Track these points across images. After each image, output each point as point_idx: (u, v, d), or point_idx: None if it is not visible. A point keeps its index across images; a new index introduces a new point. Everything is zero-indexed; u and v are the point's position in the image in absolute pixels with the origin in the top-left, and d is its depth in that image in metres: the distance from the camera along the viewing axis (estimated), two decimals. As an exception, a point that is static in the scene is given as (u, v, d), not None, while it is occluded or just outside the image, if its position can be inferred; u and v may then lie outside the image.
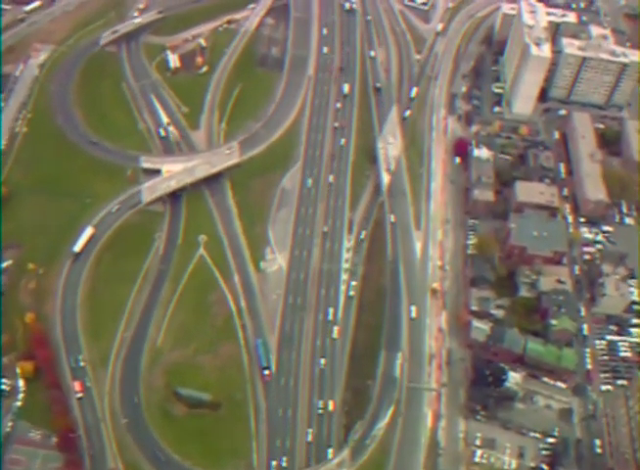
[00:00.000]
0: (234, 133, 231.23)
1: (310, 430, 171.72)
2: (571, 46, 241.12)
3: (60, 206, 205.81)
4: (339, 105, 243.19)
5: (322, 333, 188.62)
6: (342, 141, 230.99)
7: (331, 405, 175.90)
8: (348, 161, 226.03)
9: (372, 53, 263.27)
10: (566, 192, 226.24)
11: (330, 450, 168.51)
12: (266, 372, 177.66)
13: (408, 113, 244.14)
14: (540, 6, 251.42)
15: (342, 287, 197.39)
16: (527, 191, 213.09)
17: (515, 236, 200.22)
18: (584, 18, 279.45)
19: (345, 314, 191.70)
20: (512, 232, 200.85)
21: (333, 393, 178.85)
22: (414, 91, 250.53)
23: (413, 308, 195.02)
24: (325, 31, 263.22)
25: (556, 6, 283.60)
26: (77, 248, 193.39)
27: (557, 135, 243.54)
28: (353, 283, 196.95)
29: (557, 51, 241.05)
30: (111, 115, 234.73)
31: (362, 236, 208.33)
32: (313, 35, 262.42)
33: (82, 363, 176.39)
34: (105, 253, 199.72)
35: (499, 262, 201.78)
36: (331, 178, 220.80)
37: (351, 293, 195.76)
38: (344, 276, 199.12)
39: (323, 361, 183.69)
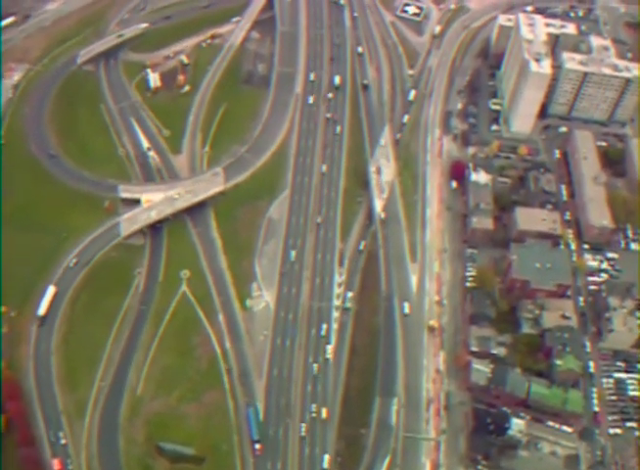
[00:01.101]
0: (218, 158, 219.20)
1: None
2: (571, 61, 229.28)
3: (34, 241, 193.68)
4: (330, 95, 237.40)
5: (313, 377, 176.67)
6: (333, 166, 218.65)
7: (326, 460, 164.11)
8: (339, 187, 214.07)
9: (359, 49, 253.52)
10: (568, 216, 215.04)
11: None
12: (257, 446, 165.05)
13: (407, 117, 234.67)
14: (539, 18, 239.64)
15: (335, 325, 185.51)
16: (529, 218, 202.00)
17: (516, 269, 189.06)
18: (583, 27, 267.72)
19: (337, 356, 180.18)
20: (513, 264, 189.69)
21: (325, 442, 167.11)
22: (412, 94, 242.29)
23: (406, 305, 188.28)
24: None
25: (554, 15, 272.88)
26: (42, 311, 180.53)
27: (558, 154, 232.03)
28: (345, 321, 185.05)
29: (557, 66, 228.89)
30: (88, 140, 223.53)
31: (361, 246, 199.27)
32: (301, 51, 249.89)
33: (63, 440, 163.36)
34: (82, 291, 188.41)
35: (500, 297, 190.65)
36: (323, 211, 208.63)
37: (343, 332, 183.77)
38: (336, 314, 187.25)
39: (315, 407, 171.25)
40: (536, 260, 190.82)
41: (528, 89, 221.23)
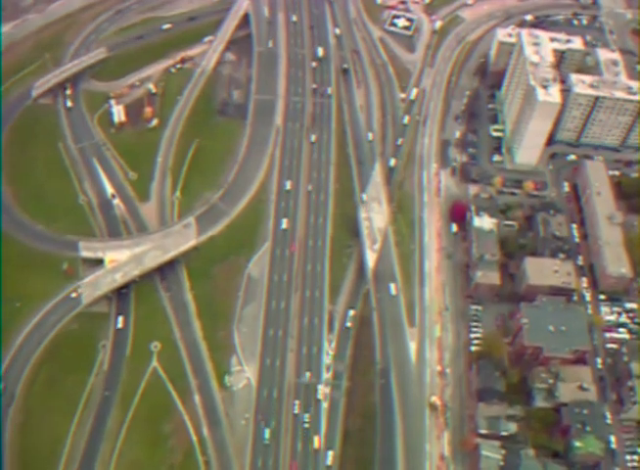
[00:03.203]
0: (190, 205, 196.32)
1: None
2: (581, 84, 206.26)
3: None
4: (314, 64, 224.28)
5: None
6: (319, 212, 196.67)
7: None
8: (326, 235, 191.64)
9: (337, 30, 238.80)
10: (581, 261, 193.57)
11: None
12: None
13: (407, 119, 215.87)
14: (543, 35, 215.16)
15: (324, 405, 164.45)
16: (539, 270, 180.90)
17: (528, 334, 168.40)
18: (588, 37, 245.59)
19: (328, 445, 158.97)
20: (524, 329, 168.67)
21: None
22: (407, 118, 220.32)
23: (392, 286, 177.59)
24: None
25: (555, 24, 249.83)
26: None
27: (567, 187, 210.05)
28: (336, 398, 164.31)
29: (565, 89, 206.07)
30: (45, 187, 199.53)
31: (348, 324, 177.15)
32: (281, 75, 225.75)
33: None
34: (38, 373, 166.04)
35: (509, 365, 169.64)
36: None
37: (334, 414, 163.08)
38: (326, 390, 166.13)
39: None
40: (549, 323, 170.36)
41: (535, 119, 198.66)
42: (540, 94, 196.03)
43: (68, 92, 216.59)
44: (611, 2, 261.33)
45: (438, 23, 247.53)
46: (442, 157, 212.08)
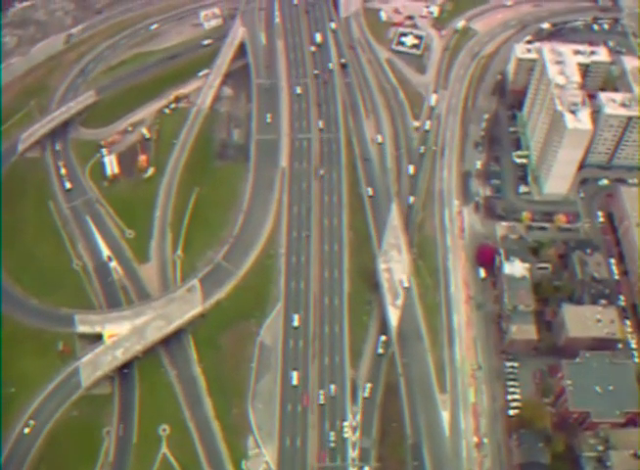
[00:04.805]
0: (193, 264, 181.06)
1: None
2: (611, 104, 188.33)
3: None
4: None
5: None
6: (334, 265, 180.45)
7: None
8: (343, 292, 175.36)
9: (333, 25, 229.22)
10: (622, 301, 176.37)
11: None
12: None
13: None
14: (566, 51, 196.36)
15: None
16: (580, 321, 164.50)
17: (573, 398, 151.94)
18: (611, 43, 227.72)
19: None
20: (568, 392, 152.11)
21: None
22: (428, 124, 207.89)
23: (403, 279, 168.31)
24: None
25: (575, 31, 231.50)
26: None
27: (601, 217, 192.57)
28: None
29: (595, 110, 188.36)
30: (36, 252, 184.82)
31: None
32: (283, 109, 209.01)
33: None
34: (39, 467, 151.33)
35: (553, 430, 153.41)
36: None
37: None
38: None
39: None
40: (595, 383, 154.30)
41: (565, 148, 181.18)
42: (569, 120, 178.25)
43: (62, 164, 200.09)
44: (632, 2, 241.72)
45: (462, 22, 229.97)
46: (464, 191, 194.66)
